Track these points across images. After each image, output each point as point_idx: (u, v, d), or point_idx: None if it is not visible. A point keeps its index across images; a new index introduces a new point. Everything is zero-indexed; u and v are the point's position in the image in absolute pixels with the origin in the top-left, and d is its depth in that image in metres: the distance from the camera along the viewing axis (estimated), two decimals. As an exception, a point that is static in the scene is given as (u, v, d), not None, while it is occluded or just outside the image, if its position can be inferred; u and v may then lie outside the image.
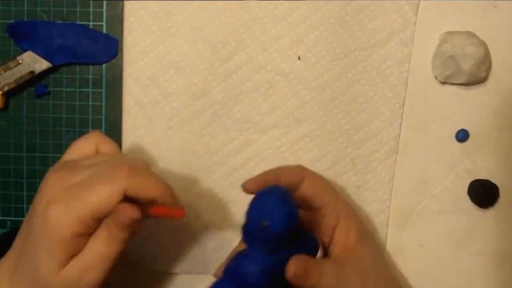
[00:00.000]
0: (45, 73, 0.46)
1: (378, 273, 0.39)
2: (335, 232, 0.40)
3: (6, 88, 0.45)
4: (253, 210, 0.36)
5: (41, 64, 0.45)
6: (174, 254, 0.48)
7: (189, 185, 0.47)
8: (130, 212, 0.34)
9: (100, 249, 0.35)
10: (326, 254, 0.41)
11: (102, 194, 0.34)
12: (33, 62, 0.45)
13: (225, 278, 0.37)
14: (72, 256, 0.35)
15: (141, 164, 0.37)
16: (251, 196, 0.37)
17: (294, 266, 0.36)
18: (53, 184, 0.35)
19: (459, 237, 0.48)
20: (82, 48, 0.46)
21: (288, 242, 0.37)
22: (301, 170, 0.41)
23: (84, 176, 0.35)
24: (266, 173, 0.40)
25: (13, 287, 0.35)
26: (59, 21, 0.46)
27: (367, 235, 0.41)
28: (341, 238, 0.39)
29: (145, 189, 0.35)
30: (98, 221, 0.35)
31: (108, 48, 0.46)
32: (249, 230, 0.36)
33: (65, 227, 0.33)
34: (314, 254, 0.40)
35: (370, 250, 0.40)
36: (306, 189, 0.40)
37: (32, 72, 0.45)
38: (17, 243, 0.37)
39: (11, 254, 0.37)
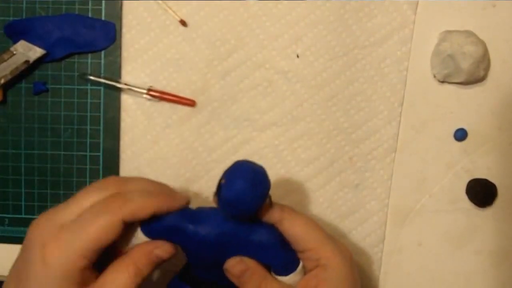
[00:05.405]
0: (42, 64, 0.46)
1: None
2: (306, 275, 0.37)
3: (2, 81, 0.45)
4: (227, 169, 0.35)
5: (35, 52, 0.45)
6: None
7: (187, 183, 0.47)
8: (169, 249, 0.36)
9: (125, 284, 0.34)
10: None
11: (100, 227, 0.34)
12: (26, 50, 0.45)
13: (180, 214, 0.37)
14: (82, 286, 0.34)
15: (131, 184, 0.37)
16: None
17: (234, 265, 0.36)
18: (43, 226, 0.35)
19: (457, 236, 0.48)
20: (80, 37, 0.46)
21: (244, 218, 0.36)
22: (279, 211, 0.37)
23: (74, 212, 0.35)
24: None
25: None
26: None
27: None
28: (309, 283, 0.36)
29: (142, 211, 0.35)
30: (100, 251, 0.35)
31: (106, 33, 0.46)
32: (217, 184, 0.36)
33: (70, 263, 0.33)
34: (283, 271, 0.38)
35: None
36: (285, 231, 0.37)
37: (27, 62, 0.45)
38: None
39: None
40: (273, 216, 0.37)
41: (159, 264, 0.36)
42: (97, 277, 0.35)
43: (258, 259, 0.37)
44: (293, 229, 0.37)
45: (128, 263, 0.35)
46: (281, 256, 0.37)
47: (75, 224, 0.35)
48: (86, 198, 0.36)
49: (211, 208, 0.38)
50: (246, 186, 0.34)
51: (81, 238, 0.34)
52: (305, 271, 0.37)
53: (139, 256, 0.36)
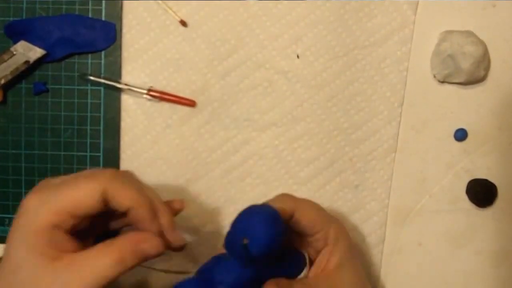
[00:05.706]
0: (42, 64, 0.47)
1: None
2: (318, 256, 0.40)
3: (3, 81, 0.45)
4: (237, 225, 0.35)
5: (35, 52, 0.45)
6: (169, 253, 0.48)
7: (187, 183, 0.47)
8: (158, 245, 0.35)
9: (105, 269, 0.33)
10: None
11: (81, 189, 0.34)
12: (27, 51, 0.45)
13: (197, 278, 0.36)
14: (54, 248, 0.33)
15: (129, 174, 0.37)
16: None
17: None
18: (37, 187, 0.36)
19: (457, 236, 0.48)
20: (81, 38, 0.46)
21: (269, 261, 0.36)
22: (292, 201, 0.39)
23: (66, 178, 0.36)
24: None
25: None
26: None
27: (350, 260, 0.40)
28: (321, 262, 0.39)
29: (123, 196, 0.35)
30: (75, 218, 0.34)
31: (106, 33, 0.46)
32: (230, 244, 0.35)
33: (42, 216, 0.33)
34: (297, 272, 0.39)
35: (348, 275, 0.39)
36: (298, 220, 0.39)
37: (27, 62, 0.45)
38: None
39: None
40: (288, 209, 0.38)
41: (145, 260, 0.35)
42: (76, 247, 0.34)
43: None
44: (306, 218, 0.39)
45: (113, 249, 0.34)
46: (295, 271, 0.39)
47: (60, 184, 0.35)
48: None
49: (223, 259, 0.36)
50: (272, 236, 0.34)
51: (58, 195, 0.34)
52: (317, 251, 0.40)
53: (125, 244, 0.34)
